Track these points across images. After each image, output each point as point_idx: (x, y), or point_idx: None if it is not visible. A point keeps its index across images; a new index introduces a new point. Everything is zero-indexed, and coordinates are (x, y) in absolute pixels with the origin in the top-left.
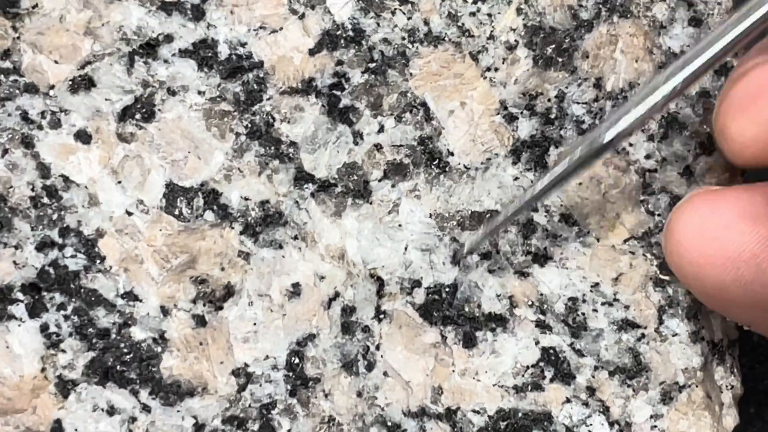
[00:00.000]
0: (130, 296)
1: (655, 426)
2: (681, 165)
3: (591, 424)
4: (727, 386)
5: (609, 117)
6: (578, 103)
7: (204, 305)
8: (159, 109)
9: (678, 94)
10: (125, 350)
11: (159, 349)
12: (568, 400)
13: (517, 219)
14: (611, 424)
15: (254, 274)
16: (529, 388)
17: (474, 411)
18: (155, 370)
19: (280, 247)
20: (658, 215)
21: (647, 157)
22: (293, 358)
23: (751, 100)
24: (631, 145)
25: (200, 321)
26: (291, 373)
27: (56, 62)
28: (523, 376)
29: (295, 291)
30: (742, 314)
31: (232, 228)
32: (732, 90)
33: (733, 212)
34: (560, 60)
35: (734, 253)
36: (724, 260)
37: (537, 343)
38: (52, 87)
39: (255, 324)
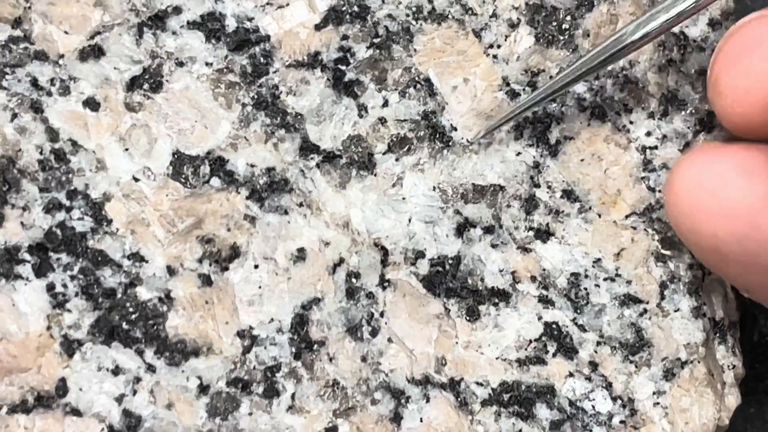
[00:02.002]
0: (137, 257)
1: (658, 403)
2: (681, 142)
3: (594, 399)
4: (728, 366)
5: (639, 18)
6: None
7: (210, 265)
8: (167, 80)
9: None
10: (131, 309)
11: (165, 308)
12: (570, 375)
13: (538, 107)
14: (614, 399)
15: (260, 237)
16: (532, 361)
17: (477, 383)
18: (161, 328)
19: (286, 212)
20: (659, 191)
21: (648, 134)
22: (298, 322)
23: (745, 53)
24: (631, 122)
25: (206, 280)
26: (295, 336)
27: (66, 32)
28: (526, 349)
29: (300, 255)
30: (738, 274)
31: (239, 193)
32: (727, 43)
33: (731, 166)
34: (561, 38)
35: (729, 205)
36: (719, 212)
37: (540, 317)
38: (62, 56)
39: (260, 287)
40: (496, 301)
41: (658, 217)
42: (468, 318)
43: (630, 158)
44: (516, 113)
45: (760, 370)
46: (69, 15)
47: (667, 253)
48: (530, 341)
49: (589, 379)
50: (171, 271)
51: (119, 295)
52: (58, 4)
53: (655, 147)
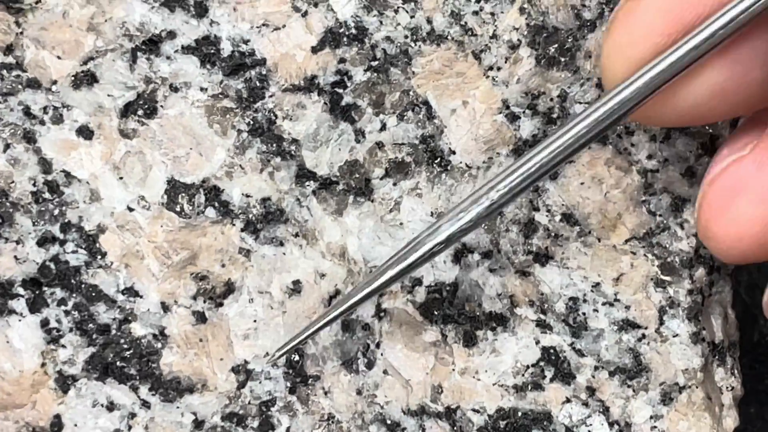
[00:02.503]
0: (131, 292)
1: (655, 427)
2: (683, 166)
3: (591, 424)
4: (727, 387)
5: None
6: (580, 102)
7: (204, 302)
8: (161, 106)
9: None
10: (125, 346)
11: (159, 345)
12: (568, 400)
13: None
14: (611, 425)
15: (255, 271)
16: (529, 387)
17: (474, 410)
18: (155, 366)
19: (281, 244)
20: (660, 216)
21: (649, 157)
22: (293, 356)
23: (729, 200)
24: (633, 145)
25: (200, 317)
26: (291, 371)
27: (59, 58)
28: (523, 375)
29: (296, 288)
30: None
31: (233, 225)
32: (710, 191)
33: None
34: (563, 60)
35: None
36: None
37: (537, 342)
38: (55, 82)
39: (255, 321)
40: (494, 325)
41: (658, 241)
42: (465, 344)
43: (631, 181)
44: (313, 330)
45: (760, 370)
46: (62, 40)
47: (667, 278)
48: (527, 366)
49: (586, 404)
50: (165, 307)
51: (113, 331)
52: (50, 30)
53: (657, 170)
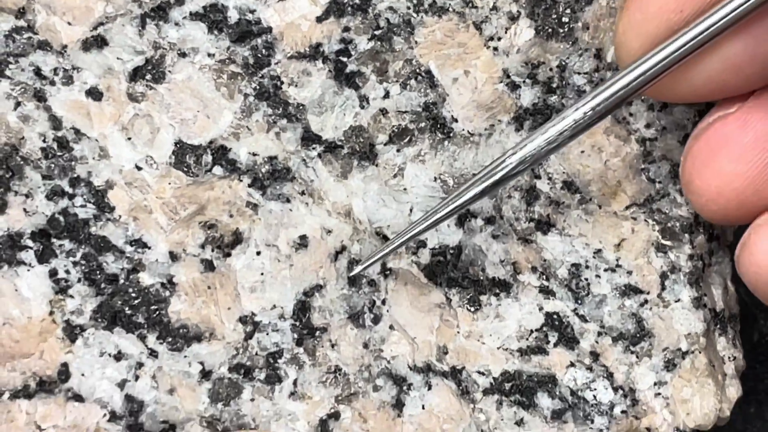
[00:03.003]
0: (139, 243)
1: (659, 393)
2: (680, 133)
3: (595, 389)
4: (729, 357)
5: (516, 144)
6: (579, 73)
7: (212, 250)
8: (169, 70)
9: (584, 126)
10: (133, 295)
11: (167, 293)
12: (572, 364)
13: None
14: (615, 390)
15: (262, 224)
16: (534, 351)
17: (479, 372)
18: (163, 314)
19: (288, 200)
20: (659, 182)
21: (647, 125)
22: (300, 308)
23: (712, 154)
24: (631, 114)
25: (209, 266)
26: (298, 323)
27: (69, 23)
28: (527, 339)
29: (303, 243)
30: None
31: (241, 180)
32: (695, 145)
33: None
34: (561, 31)
35: None
36: None
37: (540, 308)
38: (65, 46)
39: (262, 273)
40: (497, 291)
41: (658, 207)
42: (469, 308)
43: (630, 150)
44: (393, 247)
45: (760, 370)
46: (72, 6)
47: (668, 243)
48: (531, 331)
49: (590, 369)
50: (173, 256)
51: (122, 281)
52: None
53: (655, 138)
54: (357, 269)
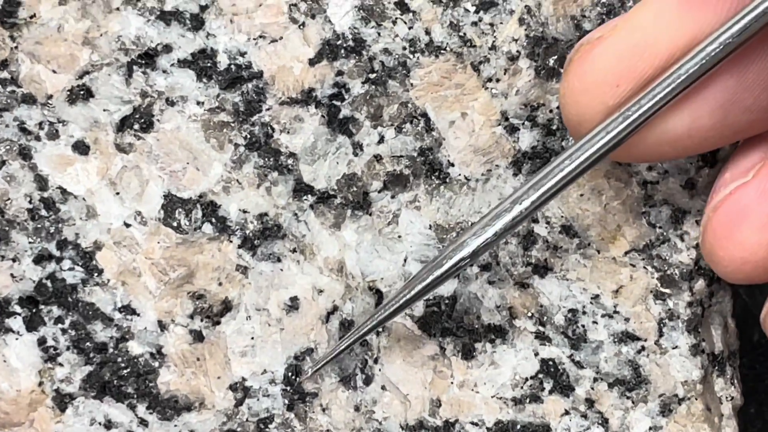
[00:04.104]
0: (128, 310)
1: None
2: (683, 177)
3: None
4: (727, 397)
5: (454, 240)
6: None
7: (201, 320)
8: (158, 120)
9: (524, 217)
10: (123, 365)
11: (156, 363)
12: (566, 412)
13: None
14: None
15: (252, 288)
16: (528, 400)
17: (472, 423)
18: (152, 384)
19: (279, 260)
20: (660, 227)
21: (649, 168)
22: (291, 373)
23: (734, 226)
24: None
25: (198, 336)
26: (288, 388)
27: (54, 72)
28: (522, 387)
29: (293, 305)
30: None
31: (230, 241)
32: (714, 217)
33: None
34: (562, 71)
35: None
36: None
37: (536, 354)
38: (50, 97)
39: (253, 338)
40: (493, 337)
41: (658, 254)
42: (463, 356)
43: (631, 193)
44: (343, 347)
45: (760, 370)
46: (57, 54)
47: (666, 291)
48: (526, 379)
49: (585, 416)
50: (162, 326)
51: (111, 350)
52: (45, 44)
53: (657, 182)
54: (306, 375)
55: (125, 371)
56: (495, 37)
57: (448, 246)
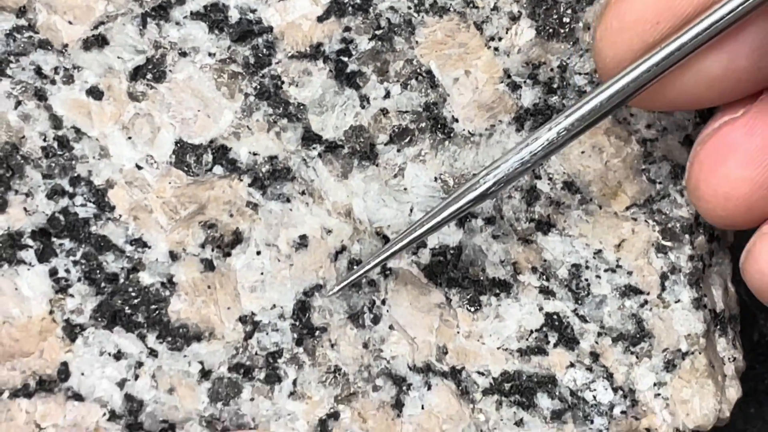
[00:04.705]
0: (139, 243)
1: (659, 394)
2: (681, 134)
3: (595, 389)
4: (729, 358)
5: (490, 165)
6: (580, 73)
7: (212, 250)
8: (170, 70)
9: (558, 145)
10: (133, 294)
11: (167, 293)
12: (571, 365)
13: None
14: (615, 390)
15: (262, 224)
16: (533, 351)
17: (478, 372)
18: (163, 313)
19: (288, 200)
20: (660, 183)
21: (648, 126)
22: (300, 308)
23: (720, 160)
24: (632, 115)
25: (209, 265)
26: (297, 323)
27: (70, 22)
28: (527, 340)
29: (303, 242)
30: None
31: (241, 180)
32: (701, 151)
33: None
34: (562, 31)
35: None
36: None
37: (540, 308)
38: (66, 45)
39: (262, 273)
40: (497, 291)
41: (659, 208)
42: (469, 308)
43: (630, 150)
44: (377, 261)
45: (760, 370)
46: (73, 5)
47: (668, 244)
48: (531, 331)
49: (590, 369)
50: (173, 256)
51: (122, 280)
52: None
53: (656, 139)
54: (335, 289)
55: (136, 300)
56: None
57: (482, 171)
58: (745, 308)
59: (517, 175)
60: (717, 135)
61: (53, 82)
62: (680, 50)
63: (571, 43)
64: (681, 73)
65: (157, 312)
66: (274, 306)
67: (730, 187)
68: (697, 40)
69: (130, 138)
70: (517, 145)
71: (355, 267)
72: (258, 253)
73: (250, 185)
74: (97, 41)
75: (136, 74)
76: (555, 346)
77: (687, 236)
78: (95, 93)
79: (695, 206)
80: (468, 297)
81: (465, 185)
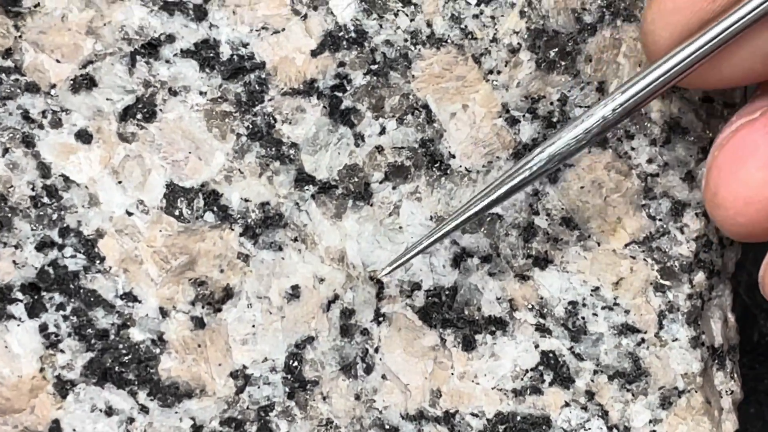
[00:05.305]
0: (130, 297)
1: (654, 431)
2: (683, 170)
3: (590, 429)
4: (726, 391)
5: (543, 142)
6: (581, 106)
7: (203, 307)
8: (160, 109)
9: (613, 122)
10: (124, 351)
11: (157, 350)
12: (566, 404)
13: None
14: (609, 429)
15: (253, 276)
16: (528, 391)
17: (472, 414)
18: (153, 371)
19: (280, 249)
20: (660, 220)
21: (649, 161)
22: (292, 361)
23: (740, 163)
24: (633, 149)
25: (199, 323)
26: (289, 376)
27: (58, 61)
28: (522, 379)
29: (295, 293)
30: None
31: (232, 230)
32: (720, 155)
33: None
34: (563, 63)
35: None
36: None
37: (537, 346)
38: (54, 86)
39: (254, 326)
40: (493, 329)
41: (658, 246)
42: (464, 348)
43: (631, 185)
44: (431, 242)
45: (760, 370)
46: (61, 44)
47: (666, 283)
48: (527, 370)
49: (585, 408)
50: (163, 312)
51: (112, 337)
52: (49, 33)
53: (657, 174)
54: (385, 270)
55: (126, 358)
56: (496, 29)
57: (535, 149)
58: (746, 308)
59: (571, 153)
60: (735, 137)
61: (41, 126)
62: (737, 24)
63: (572, 75)
64: (736, 48)
65: (147, 369)
66: (266, 359)
67: (752, 191)
68: (756, 12)
69: (120, 182)
70: (570, 121)
71: (348, 316)
72: (249, 305)
73: (241, 235)
74: (85, 82)
75: (126, 115)
76: (550, 385)
77: (686, 275)
78: (84, 137)
79: (713, 216)
80: (463, 336)
81: (518, 163)
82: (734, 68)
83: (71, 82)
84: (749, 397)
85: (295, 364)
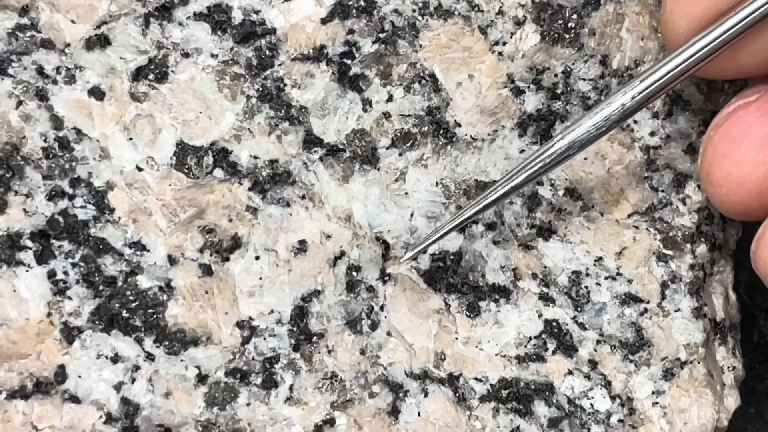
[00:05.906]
0: (138, 246)
1: (657, 402)
2: (685, 142)
3: (593, 397)
4: (728, 367)
5: (563, 129)
6: (584, 79)
7: (211, 255)
8: (172, 71)
9: (632, 110)
10: (131, 298)
11: (165, 297)
12: (570, 372)
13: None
14: (612, 398)
15: (261, 228)
16: (532, 358)
17: (476, 378)
18: (160, 317)
19: (288, 204)
20: (662, 191)
21: (652, 134)
22: (298, 314)
23: (734, 144)
24: (635, 122)
25: (207, 270)
26: (295, 328)
27: (73, 21)
28: (525, 346)
29: (302, 248)
30: None
31: (241, 184)
32: (715, 135)
33: None
34: (567, 37)
35: None
36: None
37: (540, 315)
38: (68, 45)
39: (261, 278)
40: (497, 297)
41: (660, 216)
42: (468, 314)
43: (633, 158)
44: (451, 227)
45: (760, 370)
46: (76, 4)
47: (669, 252)
48: (530, 338)
49: (588, 377)
50: (172, 260)
51: (120, 284)
52: None
53: (659, 147)
54: (407, 255)
55: (134, 304)
56: (502, 2)
57: (556, 135)
58: (746, 308)
59: (590, 140)
60: (731, 119)
61: (55, 81)
62: (754, 15)
63: (576, 48)
64: (753, 39)
65: (154, 316)
66: (272, 311)
67: (744, 171)
68: None
69: (131, 139)
70: (590, 109)
71: (354, 273)
72: (257, 258)
73: (250, 189)
74: (99, 41)
75: (138, 75)
76: (553, 353)
77: (688, 245)
78: (97, 93)
79: (707, 193)
80: (467, 303)
81: (539, 150)
82: (751, 58)
83: (85, 40)
84: (749, 397)
85: (301, 317)
